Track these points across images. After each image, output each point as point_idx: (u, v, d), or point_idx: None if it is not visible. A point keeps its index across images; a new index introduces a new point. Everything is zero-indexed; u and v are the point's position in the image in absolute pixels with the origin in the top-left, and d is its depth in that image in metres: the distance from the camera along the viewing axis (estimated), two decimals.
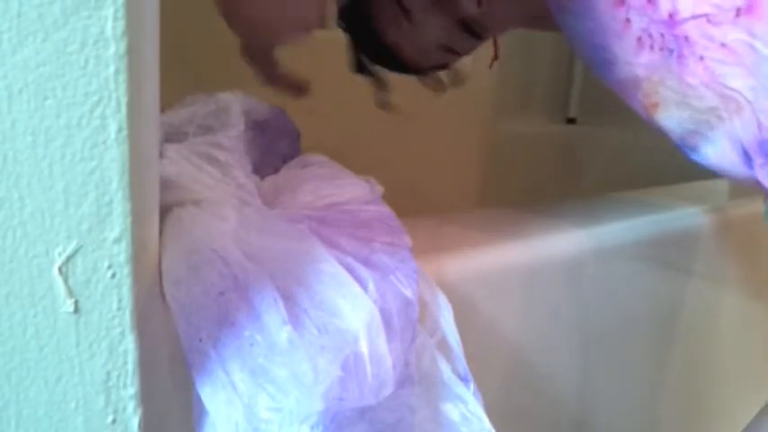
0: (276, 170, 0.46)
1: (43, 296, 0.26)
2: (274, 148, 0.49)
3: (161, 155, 0.36)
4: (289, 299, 0.31)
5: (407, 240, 0.38)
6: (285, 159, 0.47)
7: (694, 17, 0.43)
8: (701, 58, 0.43)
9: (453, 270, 0.48)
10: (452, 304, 0.48)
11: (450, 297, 0.47)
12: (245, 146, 0.42)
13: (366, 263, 0.35)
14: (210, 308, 0.30)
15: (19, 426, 0.27)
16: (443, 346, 0.37)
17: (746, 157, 0.45)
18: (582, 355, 0.59)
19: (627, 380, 0.65)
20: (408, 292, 0.34)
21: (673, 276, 0.66)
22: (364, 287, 0.33)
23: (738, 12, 0.42)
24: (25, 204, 0.25)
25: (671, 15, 0.43)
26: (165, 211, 0.33)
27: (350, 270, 0.33)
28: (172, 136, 0.42)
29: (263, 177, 0.43)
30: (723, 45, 0.42)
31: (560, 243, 0.56)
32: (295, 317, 0.30)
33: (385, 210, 0.40)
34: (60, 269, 0.26)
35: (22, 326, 0.26)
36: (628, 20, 0.45)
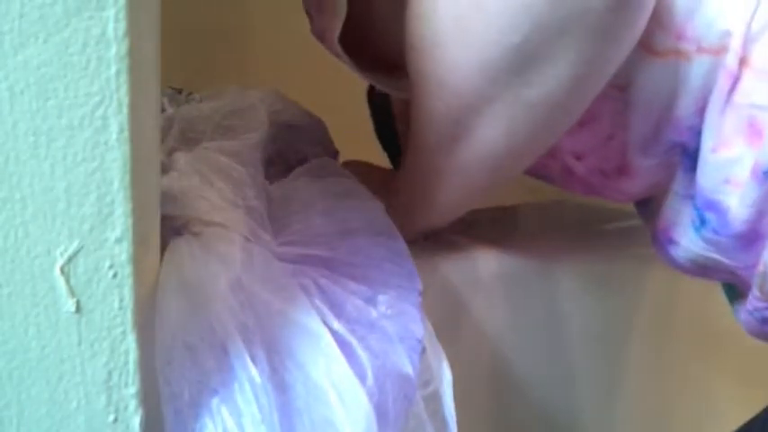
0: (290, 169, 0.44)
1: (45, 296, 0.26)
2: (298, 150, 0.47)
3: (171, 166, 0.36)
4: (283, 392, 0.30)
5: (418, 284, 0.37)
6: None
7: None
8: None
9: (449, 272, 0.48)
10: (447, 306, 0.48)
11: (445, 299, 0.47)
12: (264, 150, 0.41)
13: (370, 331, 0.33)
14: (202, 407, 0.29)
15: (20, 425, 0.28)
16: (433, 400, 0.36)
17: None
18: (574, 358, 0.59)
19: (621, 384, 0.65)
20: (409, 368, 0.33)
21: (671, 277, 0.66)
22: (362, 378, 0.31)
23: None
24: (27, 205, 0.25)
25: None
26: (168, 231, 0.33)
27: (349, 354, 0.32)
28: (187, 133, 0.41)
29: (274, 180, 0.42)
30: None
31: (556, 243, 0.56)
32: (288, 426, 0.29)
33: (398, 243, 0.39)
34: (62, 269, 0.26)
35: (23, 325, 0.26)
36: None
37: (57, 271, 0.26)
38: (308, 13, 0.50)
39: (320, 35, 0.48)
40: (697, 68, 0.38)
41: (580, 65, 0.35)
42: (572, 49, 0.35)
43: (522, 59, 0.35)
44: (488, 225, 0.56)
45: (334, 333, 0.32)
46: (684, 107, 0.39)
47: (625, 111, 0.41)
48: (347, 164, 0.53)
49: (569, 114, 0.39)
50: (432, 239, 0.50)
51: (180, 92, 0.50)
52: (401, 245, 0.39)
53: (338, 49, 0.44)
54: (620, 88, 0.40)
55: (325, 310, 0.33)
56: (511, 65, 0.35)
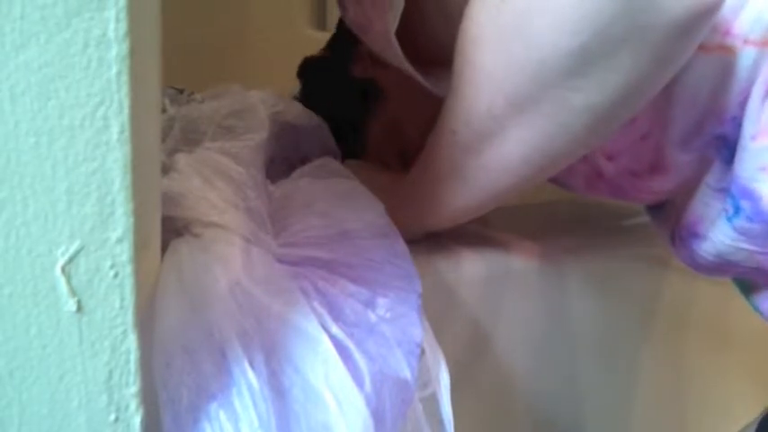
0: (292, 168, 0.44)
1: (46, 295, 0.26)
2: (300, 150, 0.47)
3: (171, 167, 0.36)
4: (281, 396, 0.30)
5: (418, 286, 0.37)
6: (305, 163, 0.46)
7: None
8: None
9: (450, 272, 0.48)
10: (448, 306, 0.48)
11: (447, 299, 0.47)
12: (265, 151, 0.41)
13: (368, 335, 0.33)
14: (200, 412, 0.29)
15: (22, 424, 0.28)
16: (431, 402, 0.36)
17: None
18: (583, 359, 0.59)
19: (632, 386, 0.65)
20: (407, 373, 0.33)
21: (684, 277, 0.66)
22: (360, 383, 0.31)
23: None
24: (28, 205, 0.25)
25: None
26: (169, 232, 0.33)
27: (347, 359, 0.32)
28: (188, 134, 0.41)
29: (276, 180, 0.42)
30: None
31: (562, 243, 0.56)
32: (285, 431, 0.29)
33: (398, 245, 0.39)
34: (63, 269, 0.26)
35: (24, 325, 0.26)
36: None
37: (58, 271, 0.26)
38: (341, 4, 0.49)
39: (361, 27, 0.47)
40: (742, 60, 0.39)
41: (632, 77, 0.35)
42: (628, 62, 0.34)
43: (577, 64, 0.34)
44: (491, 225, 0.56)
45: (332, 337, 0.32)
46: (729, 99, 0.40)
47: (666, 106, 0.41)
48: (348, 164, 0.53)
49: (610, 125, 0.38)
50: (432, 239, 0.50)
51: (181, 92, 0.51)
52: (401, 246, 0.39)
53: (393, 42, 0.43)
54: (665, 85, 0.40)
55: (324, 313, 0.33)
56: (565, 68, 0.35)
